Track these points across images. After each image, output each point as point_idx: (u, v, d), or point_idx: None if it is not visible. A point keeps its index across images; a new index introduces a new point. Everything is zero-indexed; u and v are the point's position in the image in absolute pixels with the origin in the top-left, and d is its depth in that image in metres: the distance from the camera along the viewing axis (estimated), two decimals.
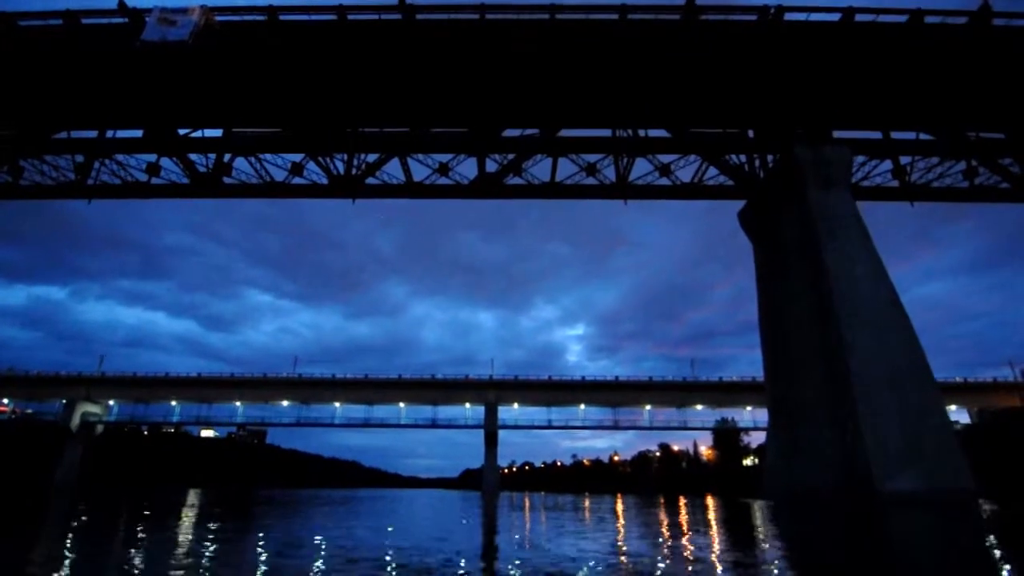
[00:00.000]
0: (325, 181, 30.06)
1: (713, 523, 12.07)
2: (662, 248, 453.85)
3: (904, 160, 30.00)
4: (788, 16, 28.98)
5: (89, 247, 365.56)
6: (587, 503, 27.26)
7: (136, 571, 4.70)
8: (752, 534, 8.68)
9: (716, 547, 6.96)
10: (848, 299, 20.93)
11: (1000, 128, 31.82)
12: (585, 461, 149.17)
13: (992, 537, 7.90)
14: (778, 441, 24.45)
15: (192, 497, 25.82)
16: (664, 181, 30.02)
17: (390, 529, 9.74)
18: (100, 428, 68.66)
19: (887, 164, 29.87)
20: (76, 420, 62.74)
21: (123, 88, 27.82)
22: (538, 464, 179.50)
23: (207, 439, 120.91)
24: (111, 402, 67.71)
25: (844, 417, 19.58)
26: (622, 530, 9.36)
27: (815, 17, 29.26)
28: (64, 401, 63.67)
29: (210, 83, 27.92)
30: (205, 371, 74.16)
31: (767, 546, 7.22)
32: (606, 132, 31.18)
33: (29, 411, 72.84)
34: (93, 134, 29.82)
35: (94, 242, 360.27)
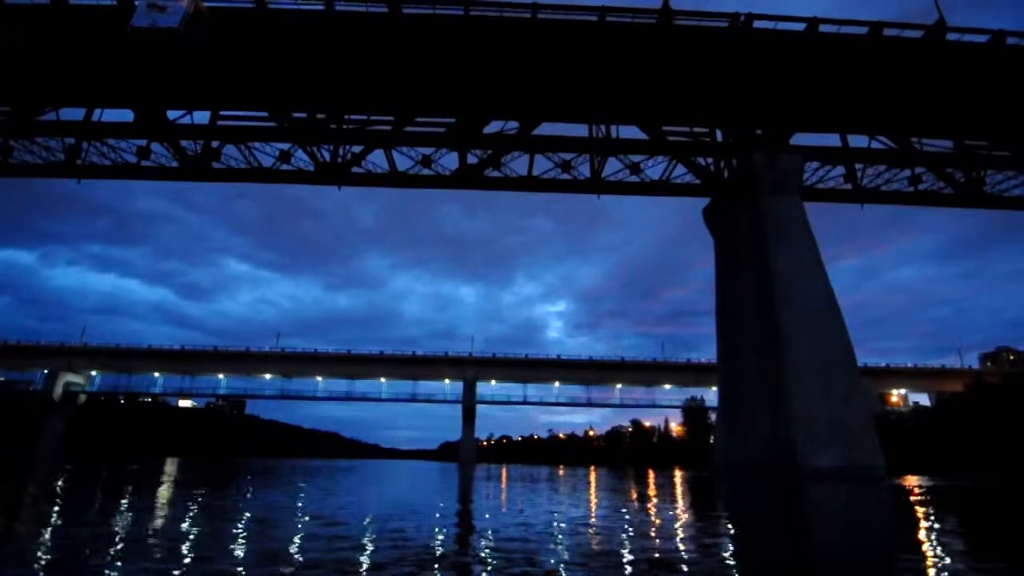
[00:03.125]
0: (312, 168, 31.18)
1: (660, 488, 14.29)
2: (644, 227, 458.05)
3: (858, 167, 32.23)
4: (757, 24, 30.68)
5: (57, 210, 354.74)
6: (562, 473, 29.70)
7: (118, 537, 4.78)
8: (690, 500, 10.78)
9: (639, 502, 9.00)
10: (789, 296, 23.30)
11: (948, 136, 34.18)
12: (561, 435, 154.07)
13: (891, 505, 9.99)
14: (725, 421, 27.10)
15: (171, 466, 27.11)
16: (635, 178, 31.83)
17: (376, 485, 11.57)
18: (83, 398, 69.41)
19: (840, 169, 32.06)
20: (59, 390, 63.44)
21: (110, 69, 28.34)
22: (516, 437, 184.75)
23: (185, 409, 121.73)
24: (93, 372, 68.37)
25: (778, 401, 22.12)
26: (592, 497, 11.39)
27: (783, 26, 31.02)
28: (46, 371, 64.17)
29: (198, 68, 28.61)
30: (183, 341, 75.10)
31: (693, 507, 9.30)
32: (582, 128, 32.72)
33: (1, 379, 73.09)
34: (82, 112, 30.34)
35: (62, 205, 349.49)
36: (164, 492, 10.40)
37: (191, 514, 6.98)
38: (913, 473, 36.33)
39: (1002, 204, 33.42)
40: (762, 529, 6.77)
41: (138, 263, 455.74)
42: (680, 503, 10.03)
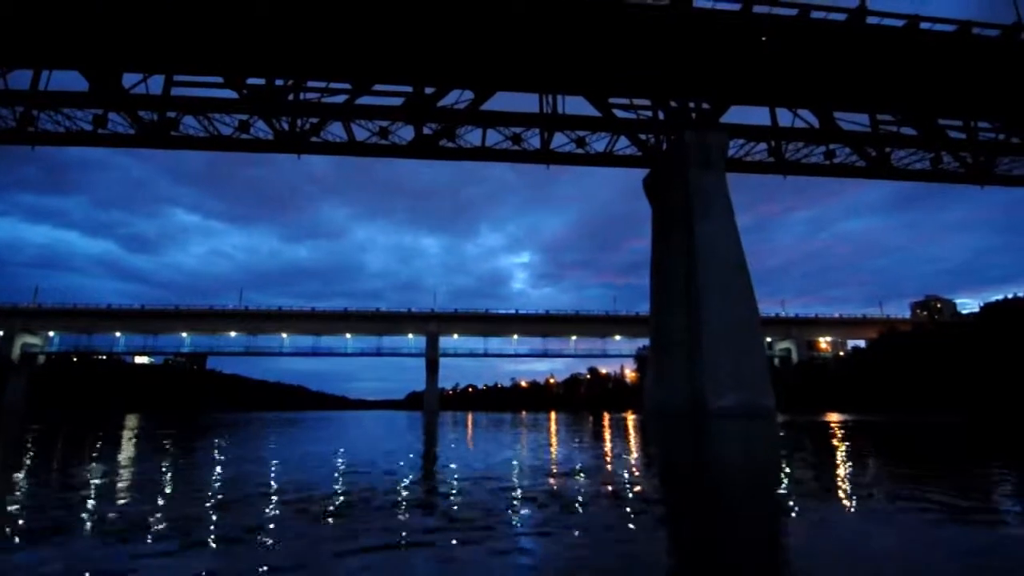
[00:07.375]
0: (271, 136, 32.04)
1: (606, 428, 17.53)
2: (607, 176, 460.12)
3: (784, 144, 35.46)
4: (697, 3, 32.65)
5: None
6: (523, 417, 33.03)
7: (94, 488, 4.79)
8: (625, 435, 13.99)
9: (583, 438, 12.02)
10: (706, 261, 26.72)
11: (866, 111, 37.56)
12: (523, 383, 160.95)
13: (774, 434, 13.33)
14: (653, 369, 31.05)
15: (134, 421, 27.48)
16: (581, 150, 34.16)
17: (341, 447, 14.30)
18: (42, 359, 69.00)
19: (765, 145, 35.22)
20: (16, 351, 63.00)
21: (59, 26, 27.84)
22: (480, 386, 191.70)
23: (144, 366, 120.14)
24: (51, 333, 67.79)
25: (693, 352, 25.92)
26: (552, 429, 14.43)
27: (720, 6, 33.07)
28: (0, 333, 63.39)
29: (150, 30, 28.43)
30: (133, 295, 75.13)
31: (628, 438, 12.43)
32: (533, 99, 34.46)
33: None
34: (30, 74, 29.95)
35: None
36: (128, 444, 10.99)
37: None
38: (835, 411, 41.63)
39: (906, 176, 37.55)
40: (644, 440, 9.89)
41: (75, 213, 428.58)
42: (610, 434, 13.32)
